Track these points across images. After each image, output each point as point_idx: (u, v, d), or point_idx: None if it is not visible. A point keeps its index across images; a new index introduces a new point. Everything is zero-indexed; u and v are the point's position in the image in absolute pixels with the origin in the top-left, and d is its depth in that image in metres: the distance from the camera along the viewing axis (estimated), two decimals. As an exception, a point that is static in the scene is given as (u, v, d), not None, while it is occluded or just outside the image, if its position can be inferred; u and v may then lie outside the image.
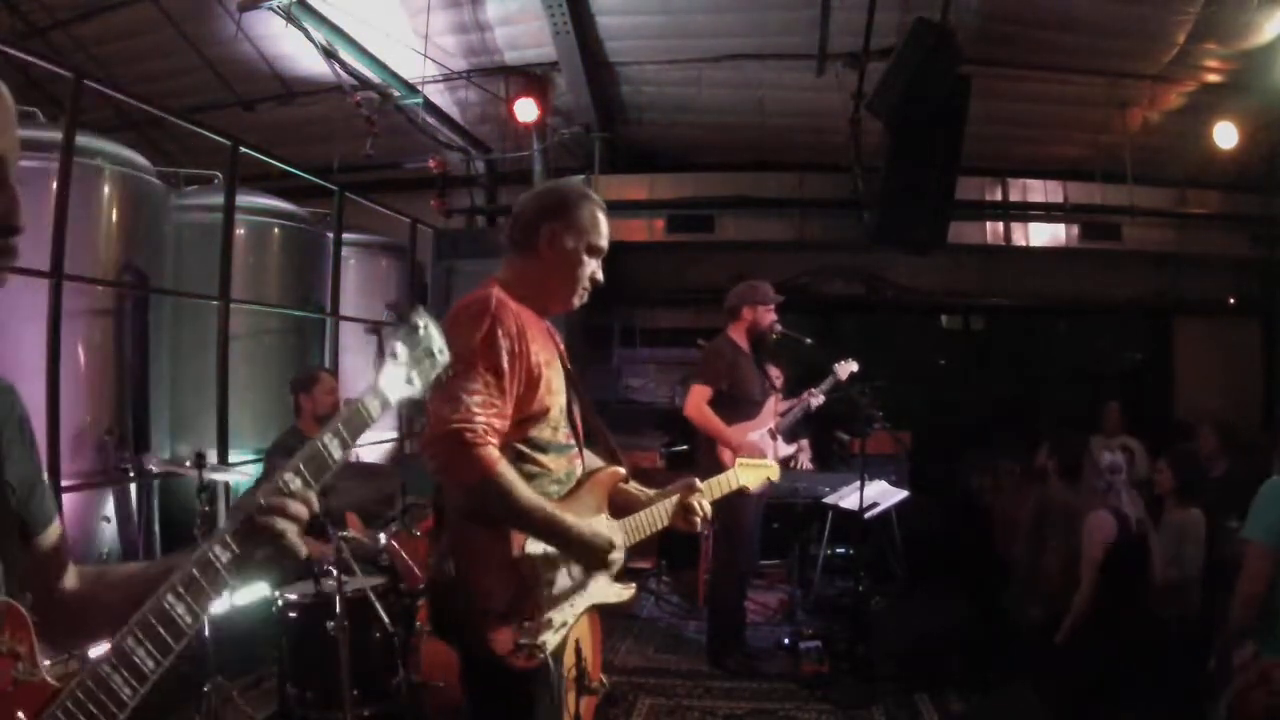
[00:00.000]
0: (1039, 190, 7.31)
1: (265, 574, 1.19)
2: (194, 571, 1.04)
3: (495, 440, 1.91)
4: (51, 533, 1.22)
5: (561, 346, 2.22)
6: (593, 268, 2.18)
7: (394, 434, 6.81)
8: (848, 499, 5.20)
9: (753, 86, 6.90)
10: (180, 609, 1.02)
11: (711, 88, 6.95)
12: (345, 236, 6.25)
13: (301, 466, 1.16)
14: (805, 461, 6.14)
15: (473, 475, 1.88)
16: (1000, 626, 4.53)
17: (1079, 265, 7.82)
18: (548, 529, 1.96)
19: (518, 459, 1.99)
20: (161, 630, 1.00)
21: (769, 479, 2.69)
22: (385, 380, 1.31)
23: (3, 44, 3.97)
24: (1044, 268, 7.90)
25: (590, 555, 2.02)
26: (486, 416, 1.89)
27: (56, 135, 3.92)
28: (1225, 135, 6.64)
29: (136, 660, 0.98)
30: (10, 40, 4.21)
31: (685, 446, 5.44)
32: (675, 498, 2.25)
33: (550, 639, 1.98)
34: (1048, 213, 7.28)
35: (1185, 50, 6.10)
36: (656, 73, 6.88)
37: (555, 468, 2.07)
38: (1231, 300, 8.01)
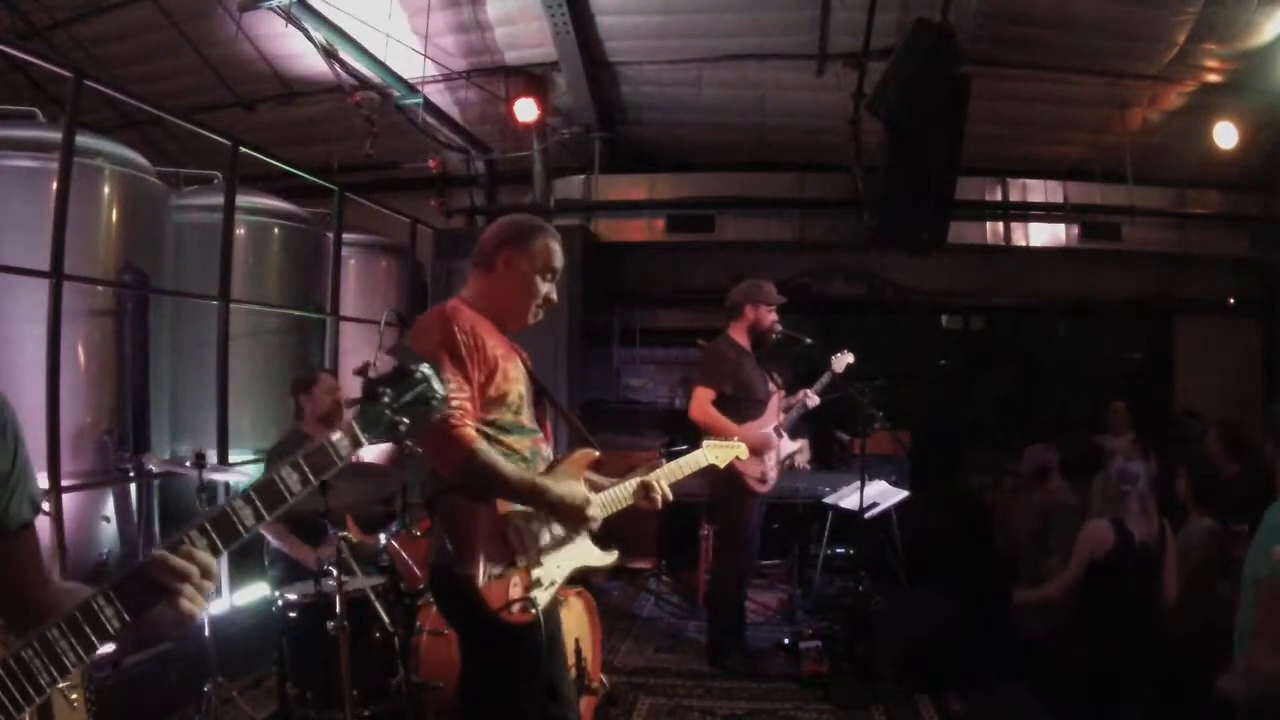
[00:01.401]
0: (1039, 190, 7.31)
1: (161, 631, 1.15)
2: (77, 614, 1.03)
3: (471, 422, 2.20)
4: (23, 535, 1.22)
5: (525, 356, 2.47)
6: (546, 289, 2.42)
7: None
8: (848, 499, 5.20)
9: (753, 86, 6.90)
10: (64, 645, 1.01)
11: (711, 88, 6.95)
12: (345, 236, 6.25)
13: (207, 525, 1.13)
14: (802, 461, 6.14)
15: (458, 453, 2.15)
16: (1000, 626, 4.53)
17: (1079, 265, 7.82)
18: (529, 492, 2.22)
19: (485, 441, 2.23)
20: (41, 664, 1.00)
21: (737, 456, 2.93)
22: (363, 420, 1.30)
23: (3, 44, 3.96)
24: (1044, 268, 7.90)
25: (568, 512, 2.27)
26: (460, 400, 2.15)
27: (56, 135, 3.92)
28: (1225, 135, 6.63)
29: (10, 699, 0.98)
30: (10, 40, 4.21)
31: (685, 446, 5.43)
32: (637, 479, 2.49)
33: (541, 595, 2.22)
34: (1048, 213, 7.28)
35: (1185, 50, 6.09)
36: (656, 73, 6.88)
37: (520, 447, 2.31)
38: (1231, 300, 8.00)
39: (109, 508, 4.46)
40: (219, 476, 4.07)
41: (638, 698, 4.27)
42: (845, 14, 5.97)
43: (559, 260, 2.43)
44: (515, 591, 2.16)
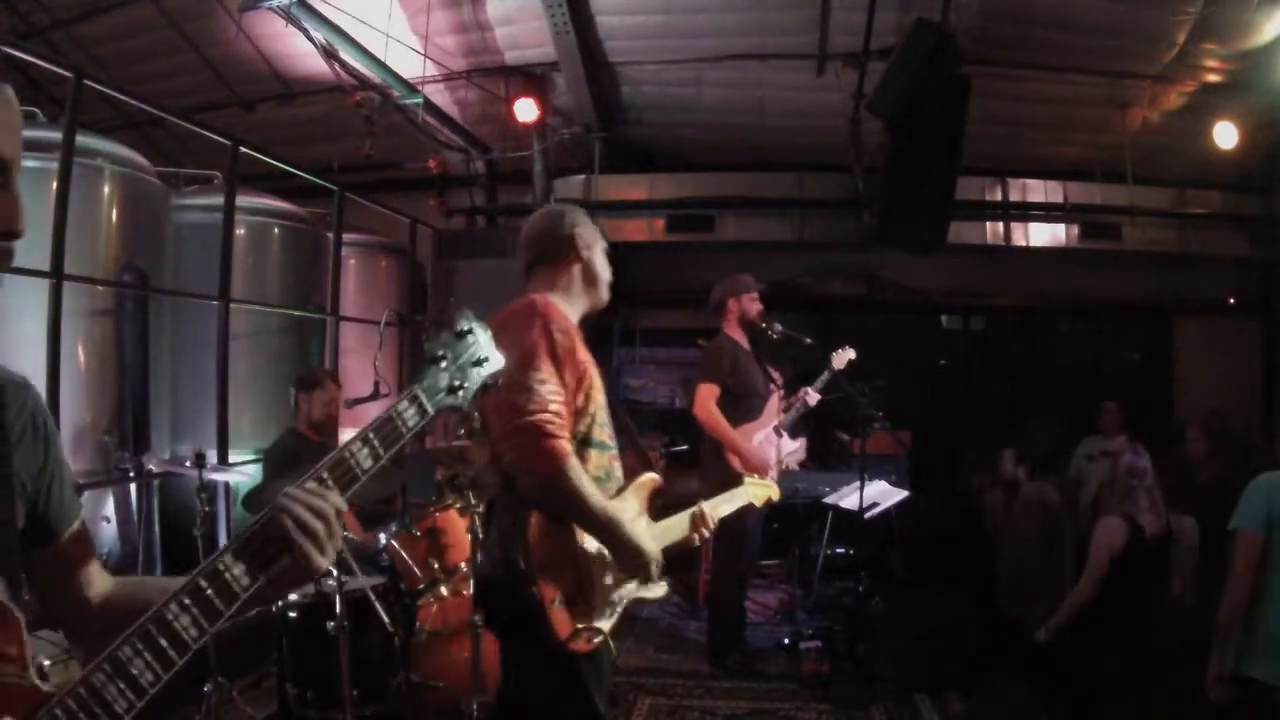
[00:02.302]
0: (1039, 190, 7.30)
1: (282, 590, 1.10)
2: (200, 581, 0.98)
3: (567, 431, 2.06)
4: (73, 533, 1.17)
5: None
6: (607, 267, 2.40)
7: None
8: (848, 499, 5.20)
9: (753, 86, 6.89)
10: (184, 620, 0.97)
11: (711, 88, 6.95)
12: (345, 236, 6.25)
13: (326, 475, 1.08)
14: (793, 463, 6.14)
15: (547, 466, 2.01)
16: (1000, 626, 4.53)
17: (1079, 265, 7.81)
18: (607, 527, 2.10)
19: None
20: (164, 642, 0.95)
21: (770, 498, 2.91)
22: (425, 387, 1.19)
23: (3, 44, 3.96)
24: (1044, 268, 7.89)
25: (636, 562, 2.16)
26: (558, 405, 2.04)
27: (56, 135, 3.91)
28: (1225, 135, 6.63)
29: (134, 671, 0.93)
30: (10, 40, 4.21)
31: (685, 446, 5.44)
32: (689, 511, 2.43)
33: (605, 624, 2.16)
34: (1048, 213, 7.27)
35: (1185, 50, 6.09)
36: (656, 73, 6.88)
37: (598, 465, 2.20)
38: (1231, 300, 8.00)
39: (109, 508, 4.46)
40: (219, 476, 4.07)
41: (638, 698, 4.27)
42: (845, 14, 5.96)
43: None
44: (584, 622, 2.10)
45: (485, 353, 1.28)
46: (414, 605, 3.74)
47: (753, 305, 4.71)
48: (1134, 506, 3.67)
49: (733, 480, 4.48)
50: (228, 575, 1.00)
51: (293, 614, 3.46)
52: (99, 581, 1.19)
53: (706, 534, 2.44)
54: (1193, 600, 4.33)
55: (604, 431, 2.24)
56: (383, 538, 4.00)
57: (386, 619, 3.43)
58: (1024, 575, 4.73)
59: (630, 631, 5.39)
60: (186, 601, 0.97)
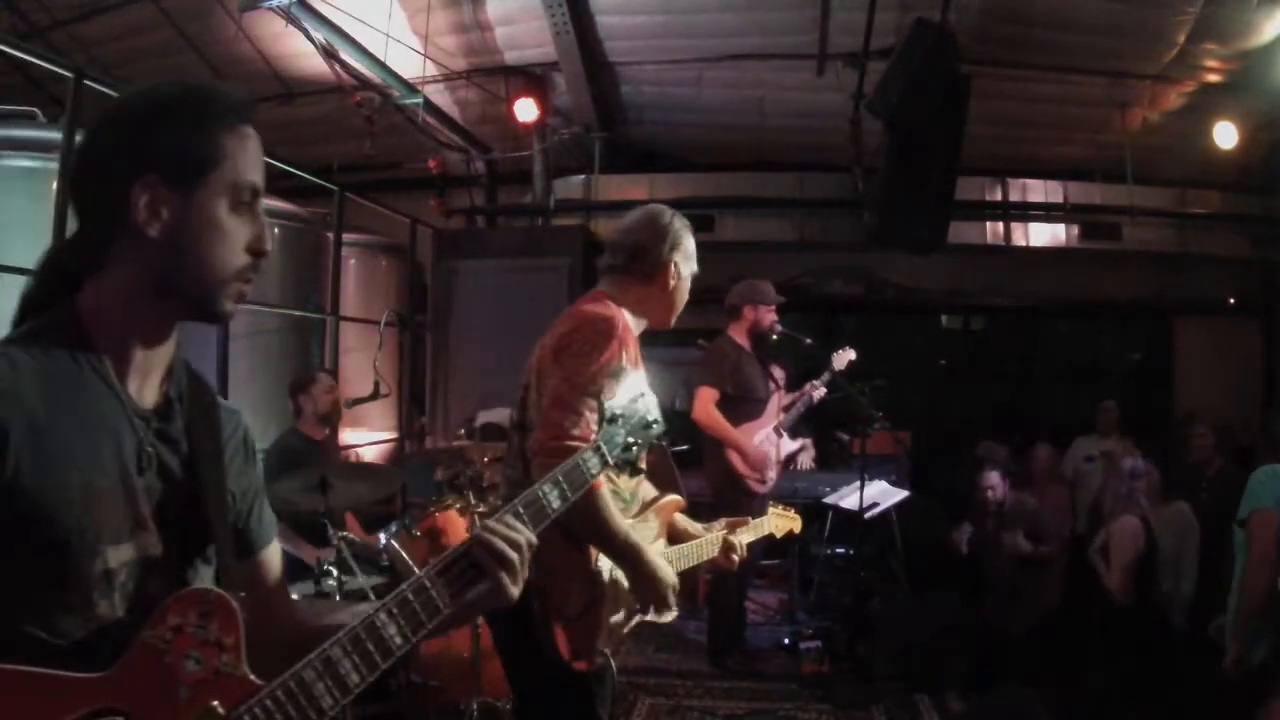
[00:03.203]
0: (1039, 190, 7.30)
1: (473, 613, 1.20)
2: (408, 594, 1.08)
3: None
4: (270, 553, 1.26)
5: None
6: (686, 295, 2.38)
7: (393, 434, 6.81)
8: (848, 499, 5.20)
9: (753, 86, 6.89)
10: (391, 629, 1.05)
11: (711, 88, 6.94)
12: (345, 236, 6.25)
13: (521, 510, 1.20)
14: (807, 461, 6.13)
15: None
16: (1000, 626, 4.53)
17: (1079, 265, 7.81)
18: (626, 554, 2.08)
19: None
20: (370, 646, 1.03)
21: (792, 530, 2.94)
22: (606, 440, 1.38)
23: (3, 44, 3.96)
24: (1044, 268, 7.89)
25: (652, 591, 2.13)
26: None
27: (56, 135, 3.91)
28: (1225, 135, 6.63)
29: (342, 671, 1.01)
30: (10, 40, 4.20)
31: (686, 446, 5.44)
32: (720, 534, 2.42)
33: (609, 645, 2.16)
34: (1048, 213, 7.27)
35: (1185, 50, 6.09)
36: (656, 73, 6.88)
37: (626, 487, 2.19)
38: (1231, 300, 8.00)
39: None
40: (219, 476, 4.05)
41: (638, 698, 4.27)
42: (845, 14, 5.96)
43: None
44: (585, 643, 2.09)
45: (654, 415, 1.50)
46: (414, 605, 3.73)
47: (767, 315, 4.68)
48: (1139, 508, 3.74)
49: (735, 480, 4.52)
50: (432, 591, 1.10)
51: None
52: (286, 601, 1.31)
53: (736, 561, 2.44)
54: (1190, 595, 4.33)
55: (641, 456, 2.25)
56: (383, 538, 4.00)
57: (386, 619, 3.42)
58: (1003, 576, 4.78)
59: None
60: (394, 611, 1.06)
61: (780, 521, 2.88)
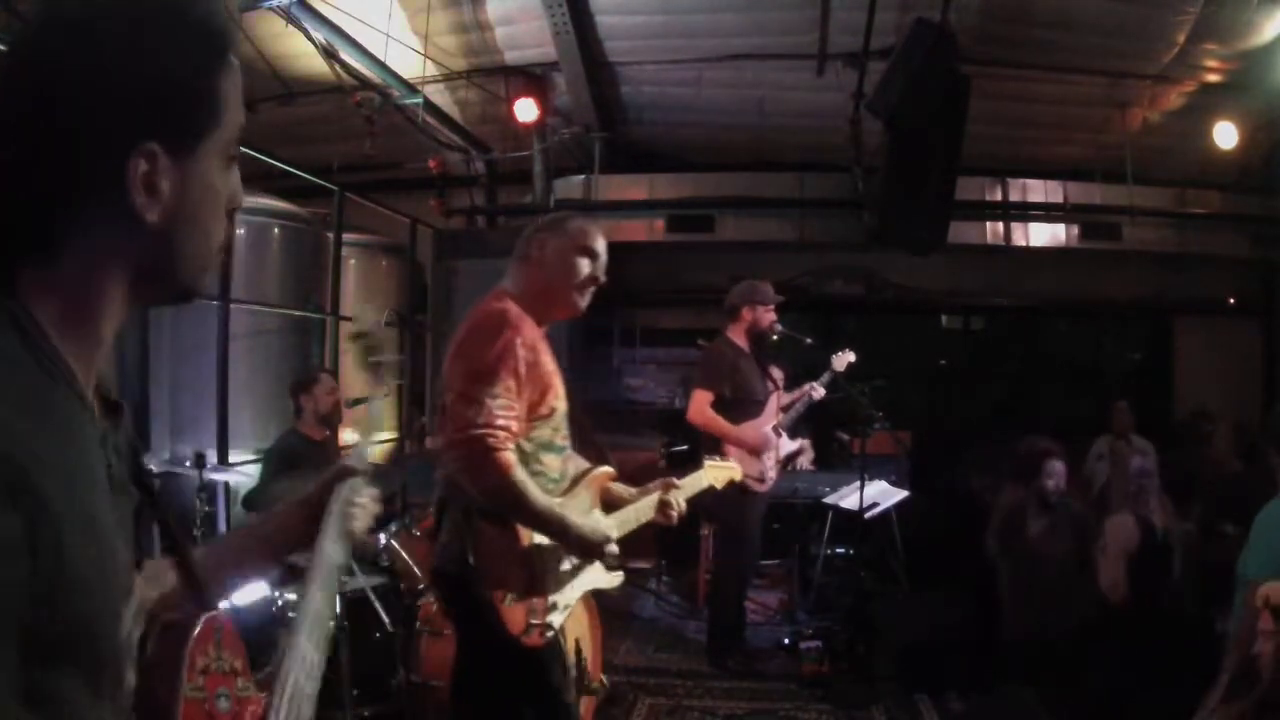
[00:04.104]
0: (1039, 190, 7.30)
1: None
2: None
3: (513, 444, 2.13)
4: None
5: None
6: (588, 270, 2.36)
7: (394, 434, 6.81)
8: (848, 499, 5.20)
9: (753, 86, 6.89)
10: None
11: (711, 88, 6.94)
12: (345, 236, 6.25)
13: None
14: (805, 463, 6.13)
15: (491, 478, 2.10)
16: (1001, 626, 4.52)
17: (1079, 265, 7.81)
18: (555, 527, 2.19)
19: (522, 458, 2.19)
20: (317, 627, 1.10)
21: (732, 479, 2.98)
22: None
23: (3, 44, 3.96)
24: (1044, 268, 7.89)
25: (589, 549, 2.24)
26: (506, 420, 2.10)
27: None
28: (1225, 135, 6.63)
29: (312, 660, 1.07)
30: (10, 40, 4.21)
31: (685, 446, 5.44)
32: (656, 495, 2.48)
33: (557, 618, 2.24)
34: (1048, 213, 7.27)
35: (1185, 50, 6.09)
36: (656, 73, 6.87)
37: (552, 467, 2.30)
38: (1231, 300, 8.00)
39: (109, 508, 4.45)
40: (219, 476, 4.07)
41: (638, 698, 4.27)
42: (845, 14, 5.96)
43: (597, 242, 2.37)
44: (534, 617, 2.18)
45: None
46: (414, 605, 3.74)
47: (766, 316, 4.67)
48: (1145, 507, 3.73)
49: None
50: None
51: (293, 614, 3.46)
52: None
53: (674, 517, 2.49)
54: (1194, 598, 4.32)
55: (560, 435, 2.33)
56: (383, 538, 4.00)
57: (386, 619, 3.43)
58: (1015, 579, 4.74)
59: (630, 631, 5.39)
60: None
61: (718, 473, 2.89)
